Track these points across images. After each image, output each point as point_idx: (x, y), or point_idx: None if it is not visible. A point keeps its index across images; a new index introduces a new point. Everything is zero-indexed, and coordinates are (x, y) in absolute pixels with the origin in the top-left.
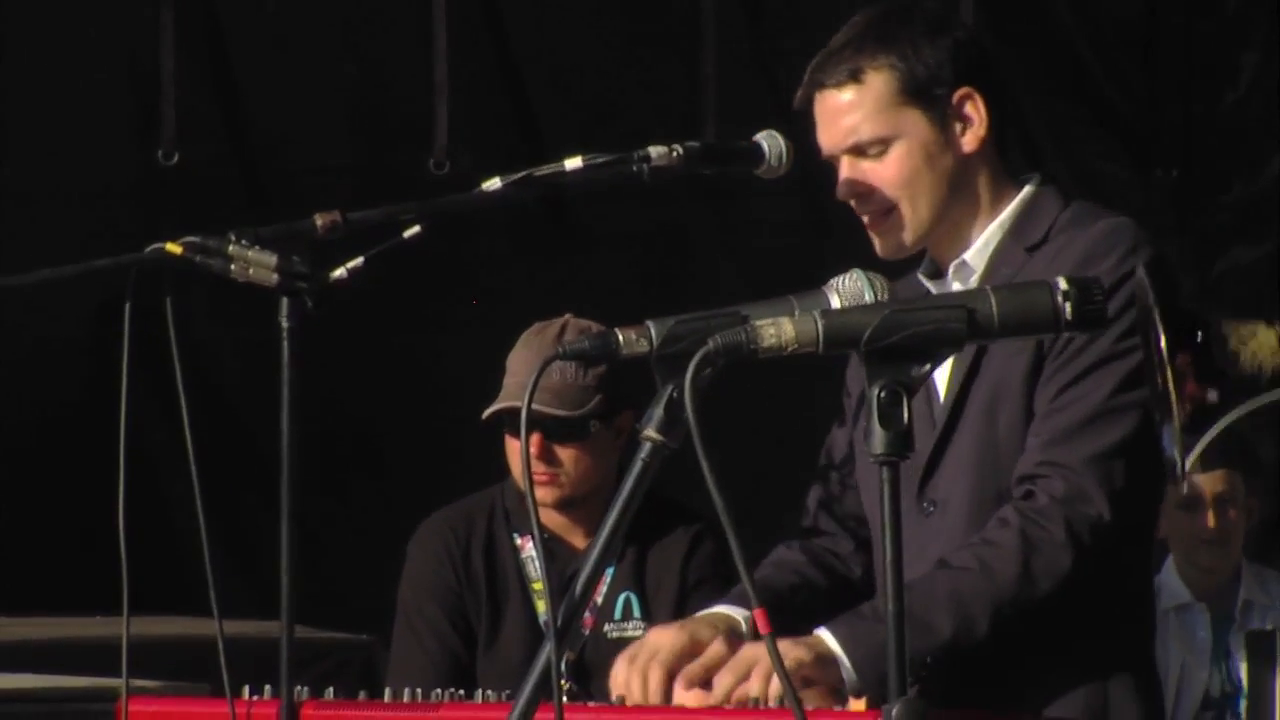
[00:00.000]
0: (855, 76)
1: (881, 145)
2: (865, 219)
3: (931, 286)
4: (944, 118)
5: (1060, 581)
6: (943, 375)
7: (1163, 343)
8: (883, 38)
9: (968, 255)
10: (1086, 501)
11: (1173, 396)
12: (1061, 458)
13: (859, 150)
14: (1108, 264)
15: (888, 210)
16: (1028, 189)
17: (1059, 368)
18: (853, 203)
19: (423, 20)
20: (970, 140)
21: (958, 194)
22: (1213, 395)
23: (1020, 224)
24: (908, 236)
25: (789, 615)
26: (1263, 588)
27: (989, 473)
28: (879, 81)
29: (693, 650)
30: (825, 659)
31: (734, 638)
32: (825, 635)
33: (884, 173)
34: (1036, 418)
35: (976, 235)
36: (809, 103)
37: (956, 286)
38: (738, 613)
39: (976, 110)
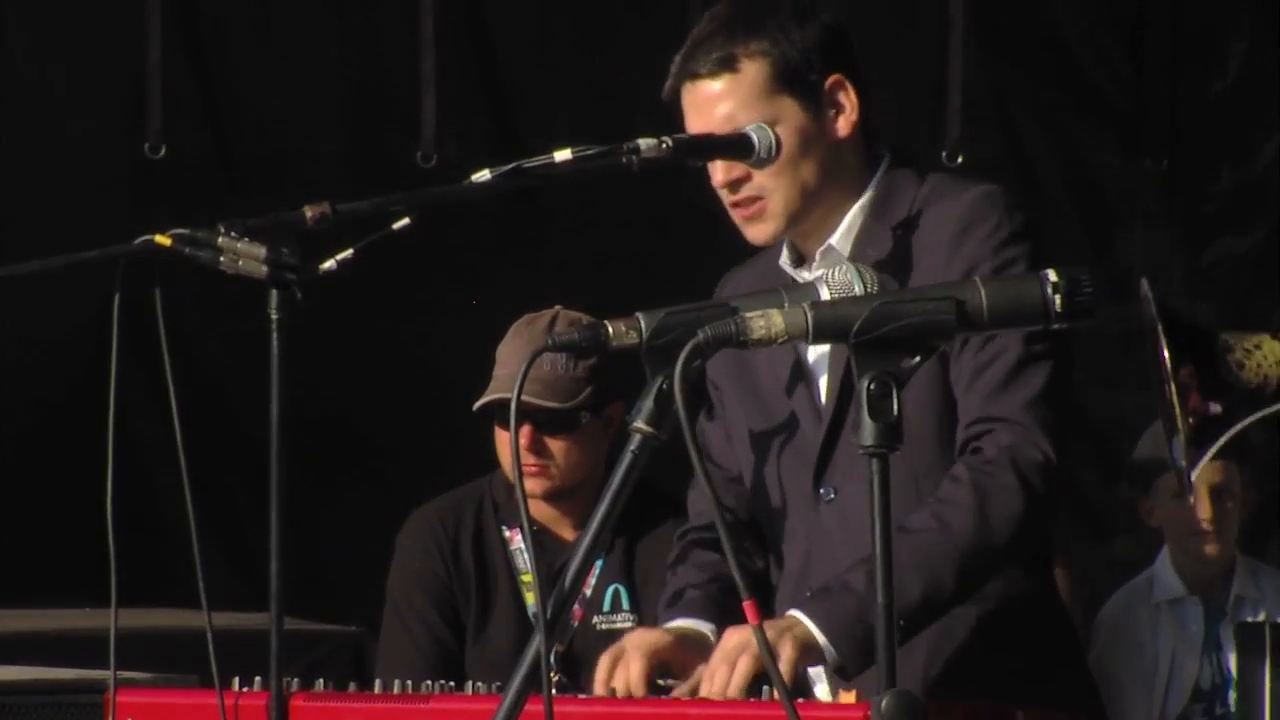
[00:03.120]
0: (729, 65)
1: None
2: (735, 208)
3: (795, 275)
4: (818, 104)
5: (1016, 526)
6: (822, 366)
7: (1165, 355)
8: (752, 25)
9: (834, 240)
10: (1032, 446)
11: (1177, 409)
12: (999, 411)
13: None
14: (985, 229)
15: (759, 199)
16: (883, 167)
17: (965, 338)
18: (724, 191)
19: (410, 11)
20: (844, 126)
21: (830, 179)
22: (1216, 408)
23: (880, 204)
24: (780, 222)
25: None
26: (1255, 582)
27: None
28: (754, 69)
29: (677, 650)
30: (805, 640)
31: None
32: (799, 615)
33: None
34: (961, 384)
35: (841, 219)
36: (677, 94)
37: (823, 273)
38: (706, 628)
39: (848, 96)
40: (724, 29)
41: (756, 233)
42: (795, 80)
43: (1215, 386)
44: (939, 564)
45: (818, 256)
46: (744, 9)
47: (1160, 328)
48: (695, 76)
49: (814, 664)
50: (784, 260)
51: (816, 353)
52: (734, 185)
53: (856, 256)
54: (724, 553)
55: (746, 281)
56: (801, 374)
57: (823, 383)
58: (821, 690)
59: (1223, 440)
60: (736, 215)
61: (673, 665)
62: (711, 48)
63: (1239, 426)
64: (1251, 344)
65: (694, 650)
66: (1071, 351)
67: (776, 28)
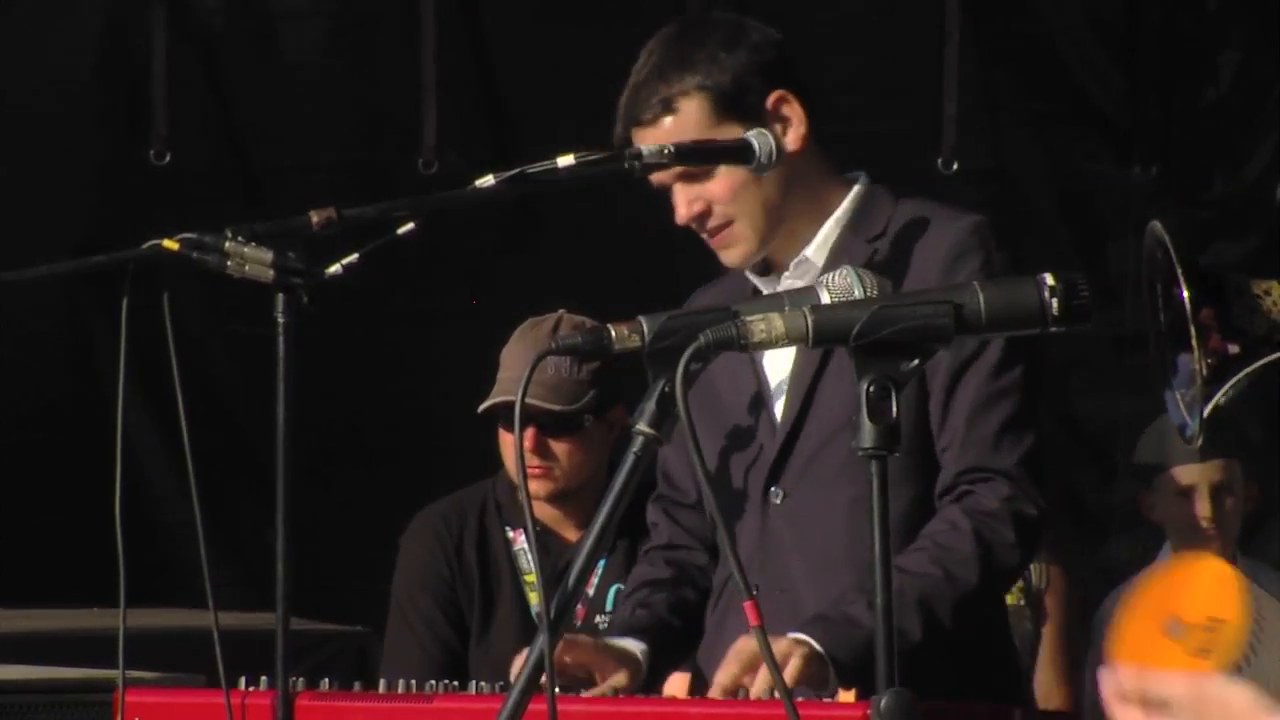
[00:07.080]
0: (668, 108)
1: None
2: (708, 237)
3: (761, 284)
4: (764, 125)
5: (1010, 578)
6: (781, 390)
7: (1185, 296)
8: (683, 62)
9: (809, 251)
10: (1027, 503)
11: (1196, 350)
12: (998, 463)
13: (689, 176)
14: (976, 262)
15: (727, 224)
16: (859, 186)
17: (964, 362)
18: (693, 225)
19: (410, 20)
20: (793, 139)
21: (791, 194)
22: (1234, 349)
23: (857, 218)
24: (751, 245)
25: (671, 645)
26: (1255, 582)
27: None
28: (692, 107)
29: (596, 659)
30: (817, 656)
31: (638, 671)
32: (806, 638)
33: (716, 190)
34: (960, 416)
35: (815, 231)
36: (629, 140)
37: (794, 283)
38: (636, 647)
39: (793, 110)
40: (658, 71)
41: (731, 256)
42: (735, 107)
43: (1233, 328)
44: (940, 609)
45: (791, 267)
46: (674, 47)
47: (1180, 271)
48: (640, 123)
49: (819, 674)
50: (749, 270)
51: (778, 378)
52: (699, 219)
53: (830, 268)
54: (675, 567)
55: (712, 298)
56: (761, 400)
57: (779, 407)
58: None
59: (1236, 378)
60: (713, 245)
61: (593, 670)
62: (649, 93)
63: (1252, 367)
64: (1262, 289)
65: (615, 659)
66: None
67: (707, 59)
